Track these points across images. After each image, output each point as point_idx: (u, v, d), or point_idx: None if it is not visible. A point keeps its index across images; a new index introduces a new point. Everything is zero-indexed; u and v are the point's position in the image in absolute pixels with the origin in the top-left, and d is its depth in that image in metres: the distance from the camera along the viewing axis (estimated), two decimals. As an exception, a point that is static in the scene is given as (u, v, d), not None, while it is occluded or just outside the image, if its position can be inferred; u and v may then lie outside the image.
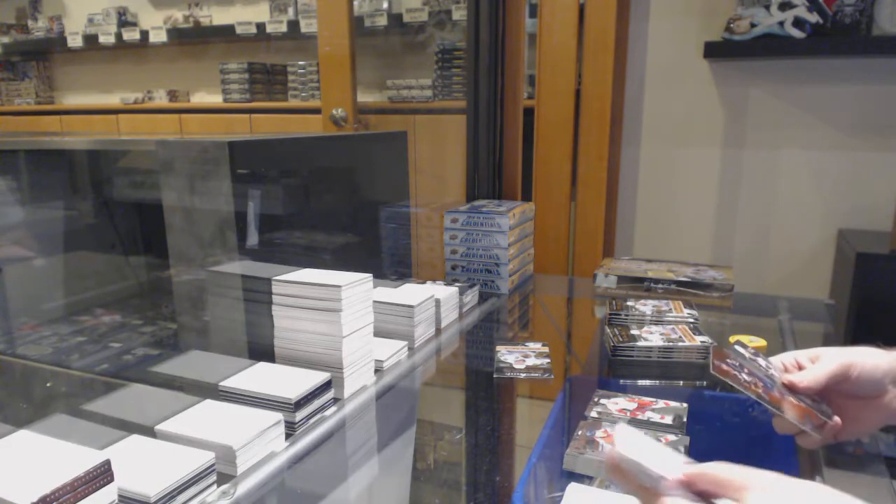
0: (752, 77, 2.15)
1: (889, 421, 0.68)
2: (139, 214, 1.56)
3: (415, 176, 2.53)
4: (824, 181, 2.12)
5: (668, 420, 0.84)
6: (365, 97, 3.11)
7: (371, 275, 0.93)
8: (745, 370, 0.70)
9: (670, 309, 1.24)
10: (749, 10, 2.02)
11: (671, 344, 1.09)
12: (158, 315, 1.39)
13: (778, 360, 0.73)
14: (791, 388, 0.68)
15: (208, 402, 0.81)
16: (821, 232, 2.15)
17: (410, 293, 1.18)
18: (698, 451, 0.77)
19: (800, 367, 0.71)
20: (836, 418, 0.67)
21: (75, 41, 3.81)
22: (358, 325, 0.92)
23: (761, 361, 0.73)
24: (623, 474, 0.49)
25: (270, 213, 1.10)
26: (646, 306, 1.26)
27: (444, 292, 1.25)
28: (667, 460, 0.49)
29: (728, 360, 0.72)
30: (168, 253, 1.07)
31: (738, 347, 0.75)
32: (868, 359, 0.67)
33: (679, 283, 1.49)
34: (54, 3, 4.07)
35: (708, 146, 2.25)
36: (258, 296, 0.93)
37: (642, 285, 1.51)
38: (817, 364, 0.69)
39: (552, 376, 1.04)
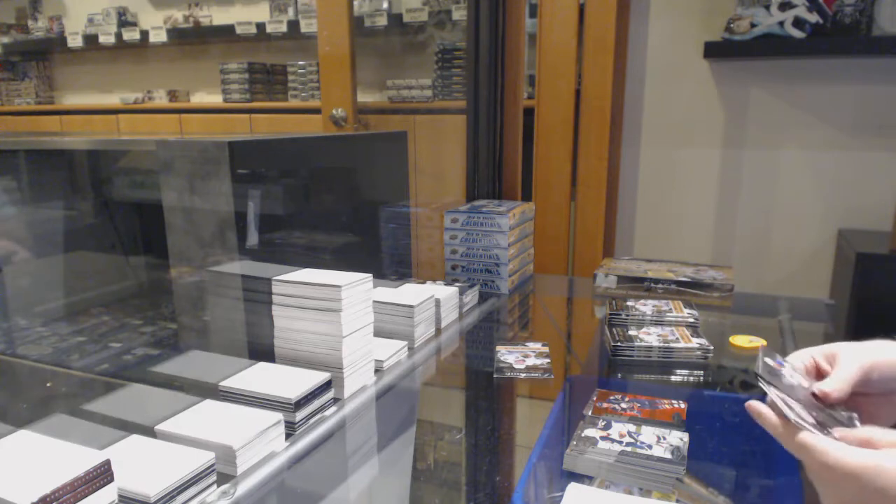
0: (752, 77, 2.15)
1: None
2: (139, 214, 1.56)
3: (415, 176, 2.53)
4: (824, 181, 2.12)
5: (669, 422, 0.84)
6: (365, 97, 3.11)
7: (371, 275, 0.93)
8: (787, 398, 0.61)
9: (670, 309, 1.24)
10: (749, 10, 2.02)
11: (667, 345, 1.09)
12: (158, 315, 1.39)
13: (798, 362, 0.68)
14: (821, 399, 0.63)
15: (208, 402, 0.81)
16: (821, 232, 2.15)
17: (410, 293, 1.18)
18: (698, 451, 0.77)
19: (818, 369, 0.67)
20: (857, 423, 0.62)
21: (75, 41, 3.81)
22: (358, 325, 0.92)
23: (790, 377, 0.65)
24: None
25: (270, 213, 1.10)
26: (646, 306, 1.26)
27: (444, 292, 1.25)
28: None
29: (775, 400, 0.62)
30: (168, 253, 1.07)
31: (768, 362, 0.65)
32: (887, 357, 0.64)
33: (679, 283, 1.49)
34: (54, 3, 4.07)
35: (708, 146, 2.25)
36: (258, 296, 0.93)
37: (642, 285, 1.51)
38: (839, 370, 0.64)
39: (552, 376, 1.04)
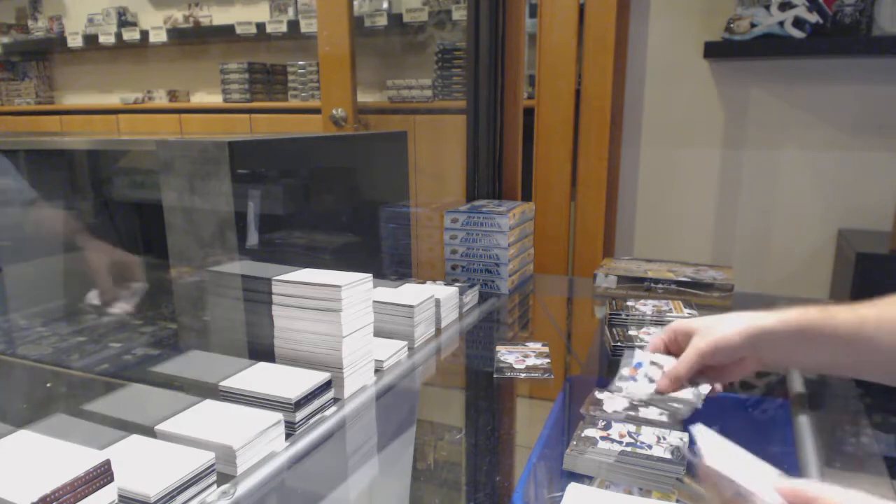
0: (752, 77, 2.15)
1: (755, 370, 0.83)
2: (139, 214, 1.56)
3: (415, 176, 2.53)
4: (824, 181, 2.13)
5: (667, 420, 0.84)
6: (365, 97, 3.11)
7: (371, 275, 0.93)
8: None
9: (670, 309, 1.24)
10: (749, 10, 2.02)
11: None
12: (158, 315, 1.39)
13: (658, 341, 0.90)
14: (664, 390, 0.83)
15: (208, 402, 0.81)
16: (821, 232, 2.15)
17: (410, 293, 1.18)
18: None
19: (675, 345, 0.87)
20: (709, 388, 0.82)
21: (75, 41, 3.81)
22: (358, 325, 0.92)
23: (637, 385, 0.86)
24: (714, 485, 0.54)
25: (270, 213, 1.10)
26: (646, 306, 1.26)
27: (444, 292, 1.25)
28: (756, 472, 0.53)
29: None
30: (168, 253, 1.07)
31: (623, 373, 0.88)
32: (726, 334, 0.78)
33: (679, 283, 1.49)
34: (54, 3, 4.07)
35: (708, 146, 2.25)
36: (258, 296, 0.93)
37: (642, 285, 1.51)
38: (677, 365, 0.83)
39: (552, 376, 1.04)
